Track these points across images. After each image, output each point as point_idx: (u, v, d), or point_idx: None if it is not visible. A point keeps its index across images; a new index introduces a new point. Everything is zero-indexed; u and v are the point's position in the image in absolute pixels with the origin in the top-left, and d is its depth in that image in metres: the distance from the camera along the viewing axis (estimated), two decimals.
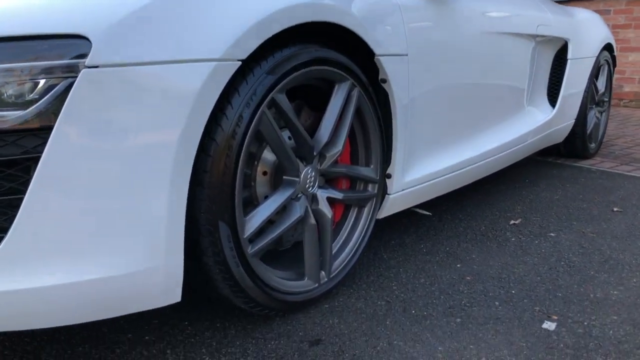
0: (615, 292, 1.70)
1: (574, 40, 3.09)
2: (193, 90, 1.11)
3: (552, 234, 2.19)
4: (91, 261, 1.08)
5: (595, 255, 1.99)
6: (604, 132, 3.87)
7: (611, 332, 1.47)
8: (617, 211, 2.52)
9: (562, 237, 2.16)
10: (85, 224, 1.06)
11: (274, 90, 1.30)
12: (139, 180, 1.08)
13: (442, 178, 2.04)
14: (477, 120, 2.23)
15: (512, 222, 2.33)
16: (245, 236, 1.29)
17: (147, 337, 1.40)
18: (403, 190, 1.87)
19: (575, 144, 3.50)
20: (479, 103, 2.21)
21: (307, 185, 1.49)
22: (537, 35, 2.69)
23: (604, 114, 3.84)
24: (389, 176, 1.79)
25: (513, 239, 2.13)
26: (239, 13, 1.19)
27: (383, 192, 1.80)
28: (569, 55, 3.07)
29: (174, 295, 1.21)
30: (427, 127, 1.91)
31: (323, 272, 1.55)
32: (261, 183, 1.46)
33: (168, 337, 1.41)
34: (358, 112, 1.61)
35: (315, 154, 1.47)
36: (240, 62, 1.19)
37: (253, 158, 1.44)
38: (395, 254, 1.97)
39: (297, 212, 1.43)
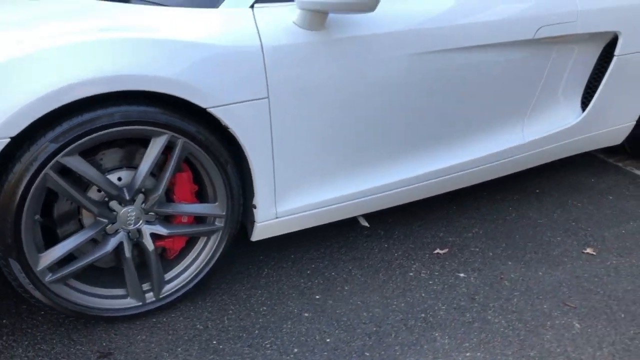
0: None
1: (631, 31, 2.59)
2: None
3: (454, 277, 2.10)
4: None
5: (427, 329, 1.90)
6: None
7: None
8: (587, 253, 2.25)
9: (456, 285, 2.06)
10: None
11: (60, 155, 1.53)
12: None
13: (336, 206, 2.07)
14: (392, 147, 2.13)
15: (437, 250, 2.25)
16: (39, 269, 1.61)
17: None
18: (277, 218, 1.97)
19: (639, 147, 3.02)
20: (393, 131, 2.10)
21: (128, 222, 1.73)
22: (545, 38, 2.33)
23: None
24: (255, 207, 1.92)
25: (412, 273, 2.10)
26: (8, 96, 1.43)
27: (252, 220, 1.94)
28: (618, 51, 2.61)
29: None
30: (306, 163, 1.94)
31: (151, 293, 1.82)
32: (88, 215, 1.73)
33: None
34: (195, 156, 1.75)
35: (128, 198, 1.69)
36: (9, 139, 1.45)
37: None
38: (272, 273, 2.11)
39: (106, 247, 1.70)
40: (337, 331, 1.81)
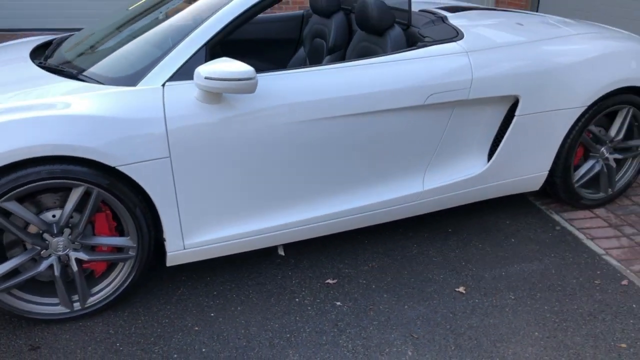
0: None
1: (530, 94, 2.93)
2: None
3: (331, 304, 2.53)
4: None
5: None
6: (628, 182, 3.45)
7: None
8: (457, 292, 2.62)
9: (328, 312, 2.49)
10: None
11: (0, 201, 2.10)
12: None
13: (240, 240, 2.55)
14: (288, 195, 2.58)
15: (328, 280, 2.69)
16: None
17: None
18: (185, 249, 2.48)
19: (558, 194, 3.32)
20: (289, 182, 2.55)
21: (58, 249, 2.28)
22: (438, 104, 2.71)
23: (632, 160, 3.43)
24: (165, 240, 2.44)
25: (298, 299, 2.55)
26: None
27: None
28: (518, 112, 2.94)
29: None
30: (209, 206, 2.43)
31: (78, 303, 2.37)
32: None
33: None
34: (109, 201, 2.28)
35: (56, 232, 2.24)
36: None
37: (27, 225, 2.28)
38: (186, 292, 2.62)
39: (38, 267, 2.26)
40: (213, 343, 2.29)
